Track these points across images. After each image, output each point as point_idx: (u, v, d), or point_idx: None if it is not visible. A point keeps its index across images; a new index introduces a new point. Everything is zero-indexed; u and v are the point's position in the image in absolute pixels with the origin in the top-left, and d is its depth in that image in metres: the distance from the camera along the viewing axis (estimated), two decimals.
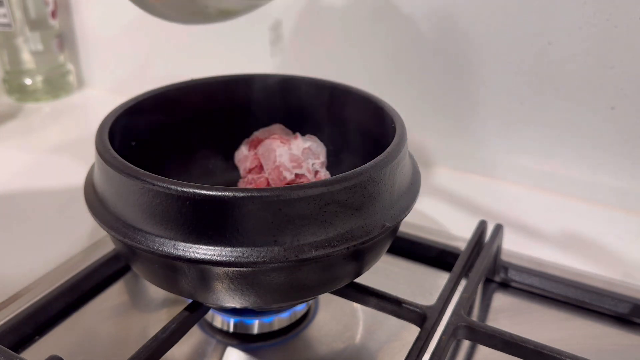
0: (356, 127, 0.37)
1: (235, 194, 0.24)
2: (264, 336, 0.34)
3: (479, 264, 0.35)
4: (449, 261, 0.37)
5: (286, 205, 0.25)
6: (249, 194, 0.24)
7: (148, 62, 0.68)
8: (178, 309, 0.31)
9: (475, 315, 0.37)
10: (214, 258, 0.25)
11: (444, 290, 0.33)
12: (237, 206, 0.24)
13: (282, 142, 0.36)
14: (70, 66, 0.73)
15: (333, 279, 0.29)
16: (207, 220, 0.25)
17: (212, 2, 0.32)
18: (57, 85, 0.71)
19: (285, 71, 0.58)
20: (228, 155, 0.40)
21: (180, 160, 0.39)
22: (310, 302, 0.37)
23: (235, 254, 0.25)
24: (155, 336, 0.29)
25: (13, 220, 0.45)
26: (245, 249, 0.25)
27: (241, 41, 0.60)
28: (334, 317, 0.36)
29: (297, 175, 0.35)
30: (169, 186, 0.25)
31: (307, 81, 0.39)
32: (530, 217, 0.47)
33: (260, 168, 0.36)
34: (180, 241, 0.25)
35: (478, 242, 0.38)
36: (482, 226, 0.38)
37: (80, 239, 0.42)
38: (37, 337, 0.34)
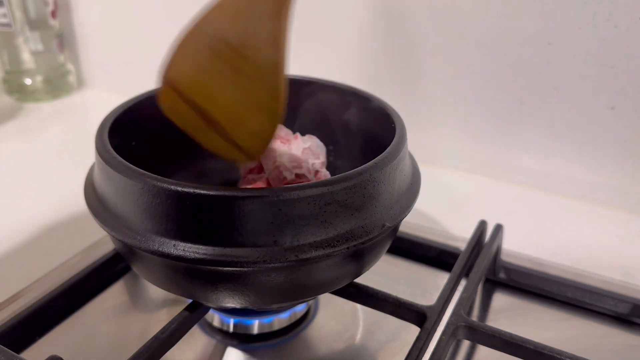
0: (356, 127, 0.37)
1: (235, 194, 0.24)
2: (263, 336, 0.34)
3: (479, 264, 0.35)
4: (449, 261, 0.37)
5: (286, 205, 0.25)
6: (249, 194, 0.24)
7: (148, 62, 0.68)
8: (178, 309, 0.31)
9: (475, 315, 0.37)
10: (213, 258, 0.25)
11: (443, 290, 0.33)
12: (237, 206, 0.24)
13: (282, 142, 0.36)
14: (70, 66, 0.73)
15: (333, 279, 0.29)
16: (207, 220, 0.25)
17: None
18: (57, 85, 0.71)
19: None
20: None
21: (180, 160, 0.39)
22: (310, 302, 0.37)
23: (236, 254, 0.25)
24: (155, 336, 0.29)
25: (13, 220, 0.45)
26: (245, 249, 0.25)
27: None
28: (334, 317, 0.36)
29: (297, 175, 0.35)
30: (169, 186, 0.25)
31: (306, 81, 0.39)
32: (530, 217, 0.47)
33: (260, 168, 0.36)
34: (180, 241, 0.25)
35: (478, 242, 0.38)
36: (482, 226, 0.38)
37: (80, 239, 0.42)
38: (37, 337, 0.34)
